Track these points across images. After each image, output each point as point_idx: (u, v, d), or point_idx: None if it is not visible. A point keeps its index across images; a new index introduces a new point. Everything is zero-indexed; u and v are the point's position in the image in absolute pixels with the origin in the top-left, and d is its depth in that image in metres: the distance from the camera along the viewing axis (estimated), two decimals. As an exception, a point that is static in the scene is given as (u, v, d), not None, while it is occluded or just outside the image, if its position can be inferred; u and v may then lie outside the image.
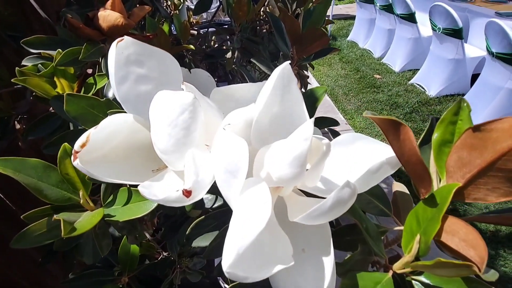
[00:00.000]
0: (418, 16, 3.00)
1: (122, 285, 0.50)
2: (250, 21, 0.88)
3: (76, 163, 0.19)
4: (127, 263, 0.49)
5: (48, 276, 1.29)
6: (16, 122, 0.67)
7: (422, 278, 0.23)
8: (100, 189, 0.35)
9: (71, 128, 0.53)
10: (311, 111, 0.45)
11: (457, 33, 2.48)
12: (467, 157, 0.18)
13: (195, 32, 1.13)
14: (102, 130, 0.21)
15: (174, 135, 0.19)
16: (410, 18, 3.00)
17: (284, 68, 0.24)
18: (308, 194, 0.23)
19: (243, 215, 0.17)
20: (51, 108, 0.58)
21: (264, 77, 0.79)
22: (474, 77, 2.58)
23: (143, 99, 0.25)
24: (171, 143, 0.20)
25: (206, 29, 1.06)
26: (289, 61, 0.24)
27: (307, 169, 0.20)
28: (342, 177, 0.24)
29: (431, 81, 2.89)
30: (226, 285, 1.16)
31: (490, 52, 2.26)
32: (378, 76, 3.28)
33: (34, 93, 0.55)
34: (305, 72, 0.67)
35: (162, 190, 0.19)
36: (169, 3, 1.20)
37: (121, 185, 0.33)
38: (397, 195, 0.29)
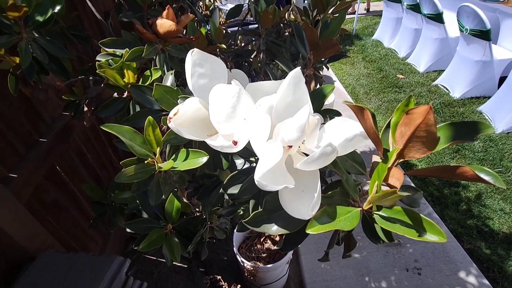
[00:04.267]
0: (446, 16, 2.96)
1: (166, 232, 0.64)
2: (275, 25, 1.00)
3: (171, 124, 0.33)
4: (171, 215, 0.63)
5: (90, 240, 1.51)
6: (84, 105, 0.84)
7: (381, 212, 0.35)
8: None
9: (131, 111, 0.69)
10: (319, 104, 0.57)
11: (484, 35, 2.45)
12: (404, 130, 0.30)
13: (223, 31, 1.27)
14: (186, 106, 0.34)
15: (226, 111, 0.32)
16: (437, 18, 2.97)
17: (296, 71, 0.36)
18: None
19: (266, 155, 0.30)
20: (115, 93, 0.74)
21: (284, 75, 0.91)
22: (503, 79, 2.52)
23: (202, 88, 0.39)
24: (224, 116, 0.33)
25: (237, 28, 1.19)
26: (300, 67, 0.36)
27: (304, 139, 0.33)
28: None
29: (456, 82, 2.86)
30: (242, 259, 1.31)
31: (518, 55, 2.23)
32: (401, 76, 3.28)
33: (105, 81, 0.71)
34: (321, 72, 0.78)
35: (218, 142, 0.32)
36: (201, 3, 1.36)
37: (178, 148, 0.48)
38: (374, 163, 0.41)
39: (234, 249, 1.29)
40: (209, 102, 0.35)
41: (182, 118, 0.35)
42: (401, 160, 0.33)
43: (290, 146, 0.34)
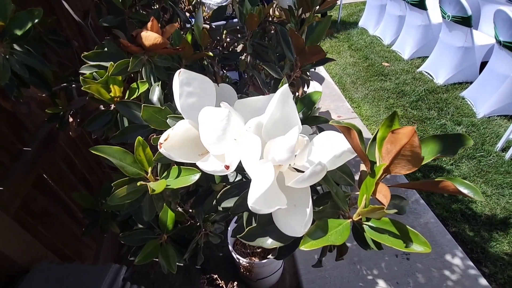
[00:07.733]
0: (429, 2, 2.99)
1: (161, 242, 0.65)
2: (260, 23, 0.99)
3: (162, 150, 0.33)
4: (166, 225, 0.64)
5: (84, 246, 1.50)
6: (69, 116, 0.82)
7: (369, 223, 0.37)
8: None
9: (119, 123, 0.67)
10: (308, 110, 0.57)
11: (466, 21, 2.50)
12: (390, 148, 0.31)
13: (208, 26, 1.24)
14: (176, 130, 0.34)
15: (216, 134, 0.32)
16: (420, 5, 3.00)
17: (284, 89, 0.36)
18: (300, 171, 0.37)
19: (258, 179, 0.30)
20: (101, 106, 0.72)
21: (270, 75, 0.91)
22: (484, 64, 2.59)
23: (191, 107, 0.39)
24: (214, 138, 0.33)
25: (222, 22, 1.16)
26: (287, 84, 0.36)
27: (296, 154, 0.34)
28: (319, 159, 0.37)
29: (439, 69, 2.91)
30: (237, 256, 1.33)
31: (497, 41, 2.28)
32: (386, 64, 3.32)
33: (90, 95, 0.69)
34: (307, 74, 0.79)
35: (210, 166, 0.33)
36: (183, -1, 1.31)
37: (169, 165, 0.48)
38: (362, 172, 0.42)
39: (229, 246, 1.31)
40: (199, 124, 0.35)
41: (172, 140, 0.35)
42: (387, 174, 0.34)
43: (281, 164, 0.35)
